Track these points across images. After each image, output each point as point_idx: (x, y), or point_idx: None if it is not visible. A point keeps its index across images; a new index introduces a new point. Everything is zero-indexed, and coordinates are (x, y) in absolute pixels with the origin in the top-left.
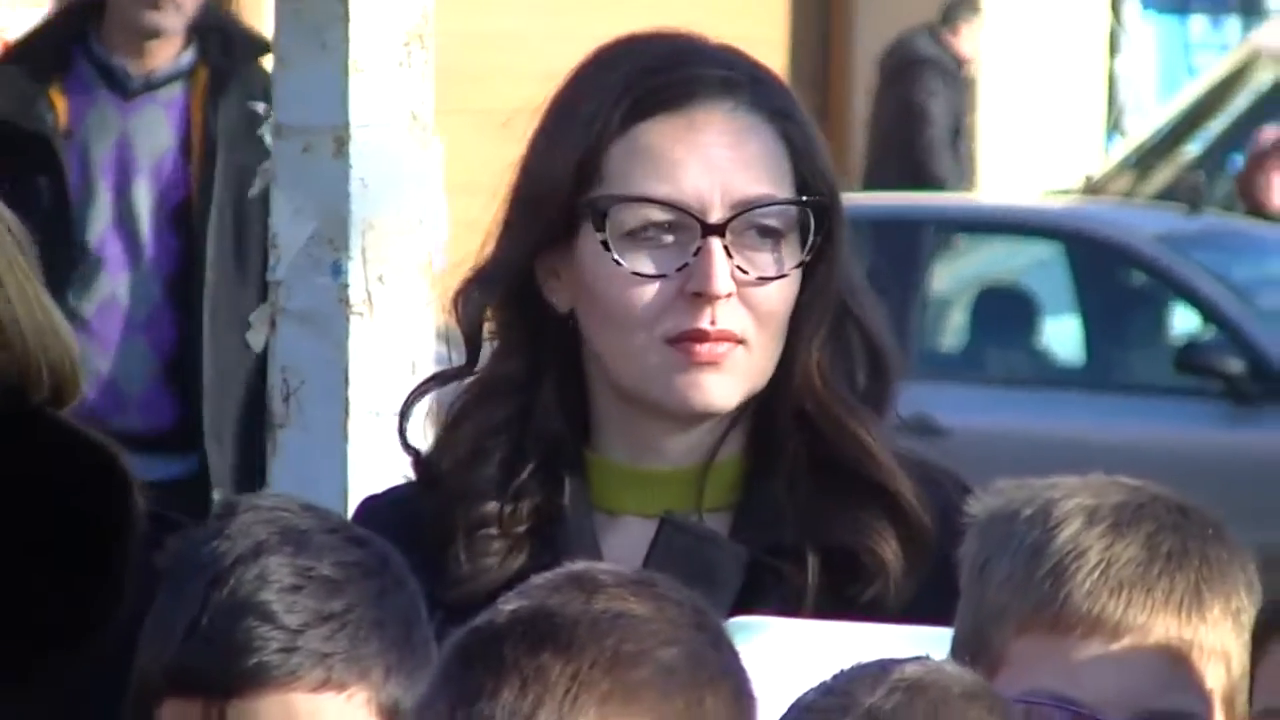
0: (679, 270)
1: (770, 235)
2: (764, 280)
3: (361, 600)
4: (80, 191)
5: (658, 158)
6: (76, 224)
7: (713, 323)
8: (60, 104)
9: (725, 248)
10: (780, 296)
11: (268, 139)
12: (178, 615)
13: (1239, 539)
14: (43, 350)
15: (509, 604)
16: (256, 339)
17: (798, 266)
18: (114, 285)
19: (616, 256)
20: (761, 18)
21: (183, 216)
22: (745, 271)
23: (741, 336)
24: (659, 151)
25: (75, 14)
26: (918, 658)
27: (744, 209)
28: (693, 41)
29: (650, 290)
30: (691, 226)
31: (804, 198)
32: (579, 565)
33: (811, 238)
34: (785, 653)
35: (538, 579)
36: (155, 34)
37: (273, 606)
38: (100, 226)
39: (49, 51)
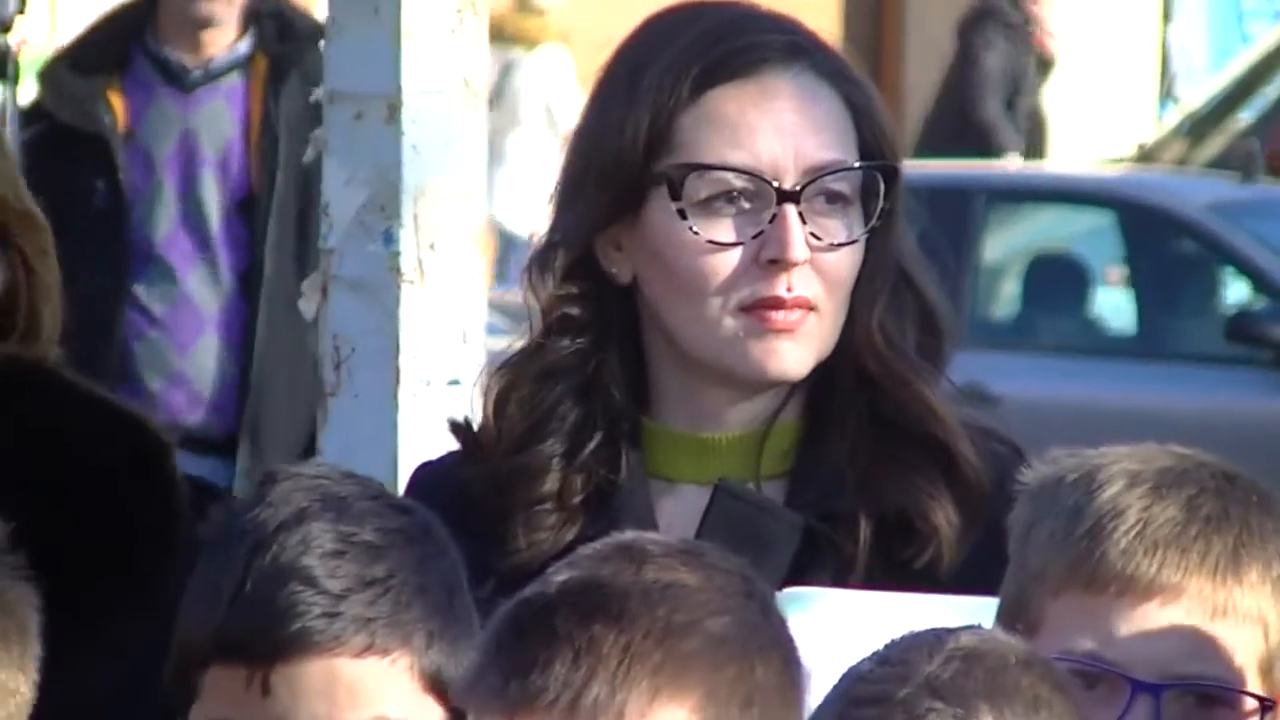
0: (754, 238)
1: (839, 201)
2: (835, 246)
3: (404, 566)
4: (145, 191)
5: (732, 125)
6: (142, 224)
7: (789, 290)
8: (119, 104)
9: (800, 214)
10: (849, 263)
11: None
12: (221, 582)
13: None
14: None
15: (558, 575)
16: (308, 307)
17: (866, 232)
18: (184, 283)
19: (693, 225)
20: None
21: (251, 208)
22: (818, 238)
23: (814, 303)
24: (732, 118)
25: (132, 10)
26: (971, 626)
27: (817, 175)
28: (752, 9)
29: (726, 258)
30: (766, 194)
31: (873, 162)
32: (627, 535)
33: (880, 203)
34: (837, 623)
35: (586, 549)
36: (208, 23)
37: (315, 572)
38: (167, 225)
39: (106, 50)
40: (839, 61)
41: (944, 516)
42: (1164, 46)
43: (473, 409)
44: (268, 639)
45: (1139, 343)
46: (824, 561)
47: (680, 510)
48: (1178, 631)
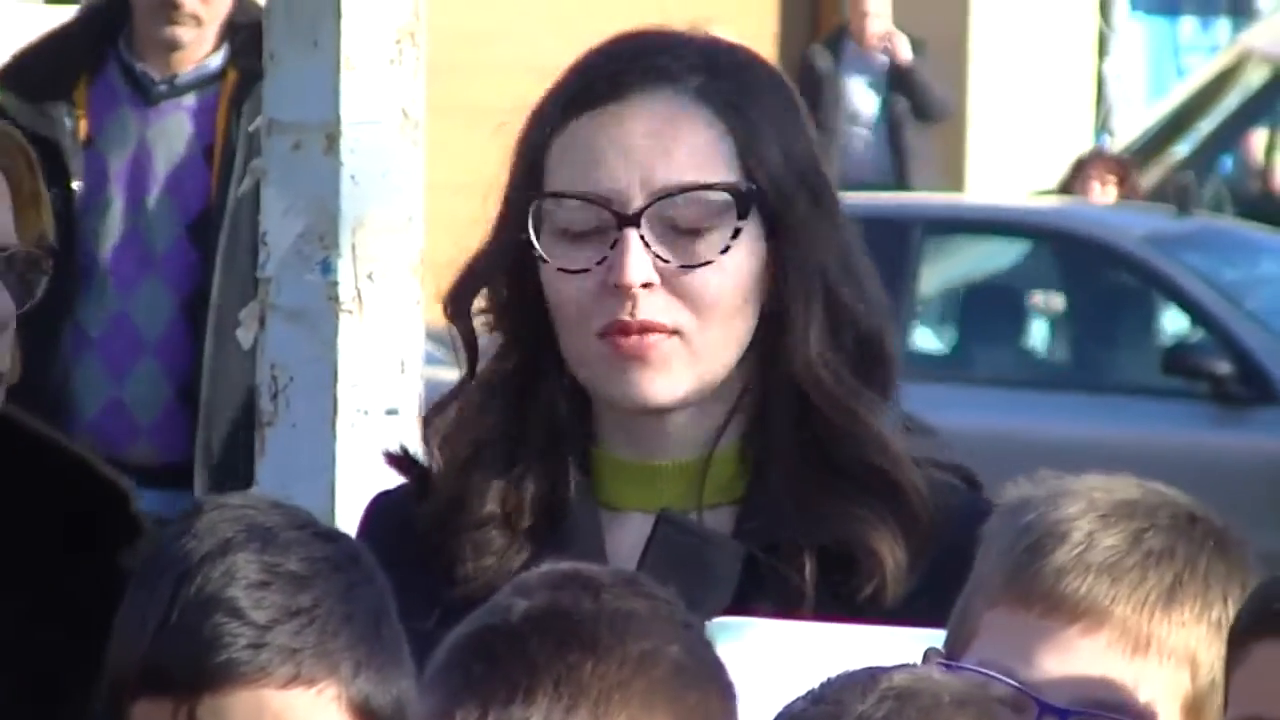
0: (599, 264)
1: (694, 223)
2: (687, 268)
3: (329, 595)
4: (92, 203)
5: (582, 152)
6: (87, 237)
7: (633, 314)
8: (85, 110)
9: (642, 237)
10: (716, 283)
11: None
12: (147, 613)
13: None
14: None
15: (515, 602)
16: (246, 336)
17: (723, 252)
18: (124, 303)
19: (542, 253)
20: (751, 20)
21: (204, 229)
22: (666, 260)
23: (672, 327)
24: (584, 146)
25: (108, 10)
26: (905, 665)
27: (659, 197)
28: (653, 35)
29: (577, 285)
30: (606, 220)
31: (723, 183)
32: (568, 565)
33: (735, 224)
34: (766, 653)
35: (531, 576)
36: (177, 48)
37: (240, 603)
38: (111, 240)
39: (80, 50)
40: (736, 88)
41: (888, 548)
42: (1099, 78)
43: (411, 440)
44: (193, 670)
45: (1075, 374)
46: (768, 592)
47: (626, 539)
48: (1095, 656)
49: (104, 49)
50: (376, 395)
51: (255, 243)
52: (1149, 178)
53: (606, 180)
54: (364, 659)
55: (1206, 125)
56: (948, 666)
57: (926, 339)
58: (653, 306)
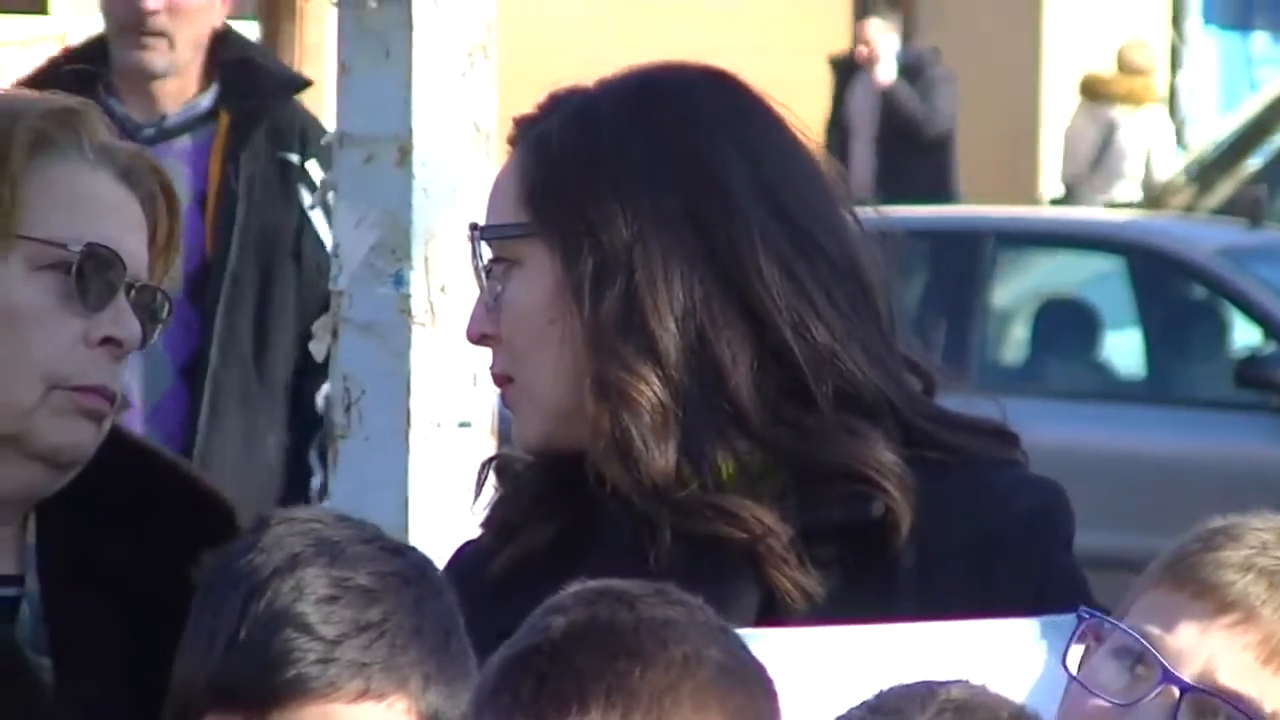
0: None
1: (499, 264)
2: (491, 310)
3: (398, 609)
4: None
5: None
6: None
7: (490, 366)
8: None
9: (481, 289)
10: (508, 324)
11: (306, 198)
12: (217, 628)
13: None
14: None
15: (553, 620)
16: (319, 349)
17: (495, 292)
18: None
19: None
20: (809, 30)
21: (201, 286)
22: (488, 307)
23: (504, 375)
24: None
25: (85, 53)
26: (959, 680)
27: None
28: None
29: None
30: None
31: (488, 226)
32: (597, 582)
33: (478, 260)
34: (778, 665)
35: (564, 596)
36: (152, 74)
37: (309, 618)
38: None
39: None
40: (554, 126)
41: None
42: (1173, 91)
43: (484, 452)
44: (263, 686)
45: (1148, 388)
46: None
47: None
48: (1230, 651)
49: (86, 93)
50: (449, 408)
51: (259, 303)
52: (1222, 191)
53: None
54: (433, 672)
55: (1279, 138)
56: (1091, 616)
57: (999, 352)
58: (494, 360)
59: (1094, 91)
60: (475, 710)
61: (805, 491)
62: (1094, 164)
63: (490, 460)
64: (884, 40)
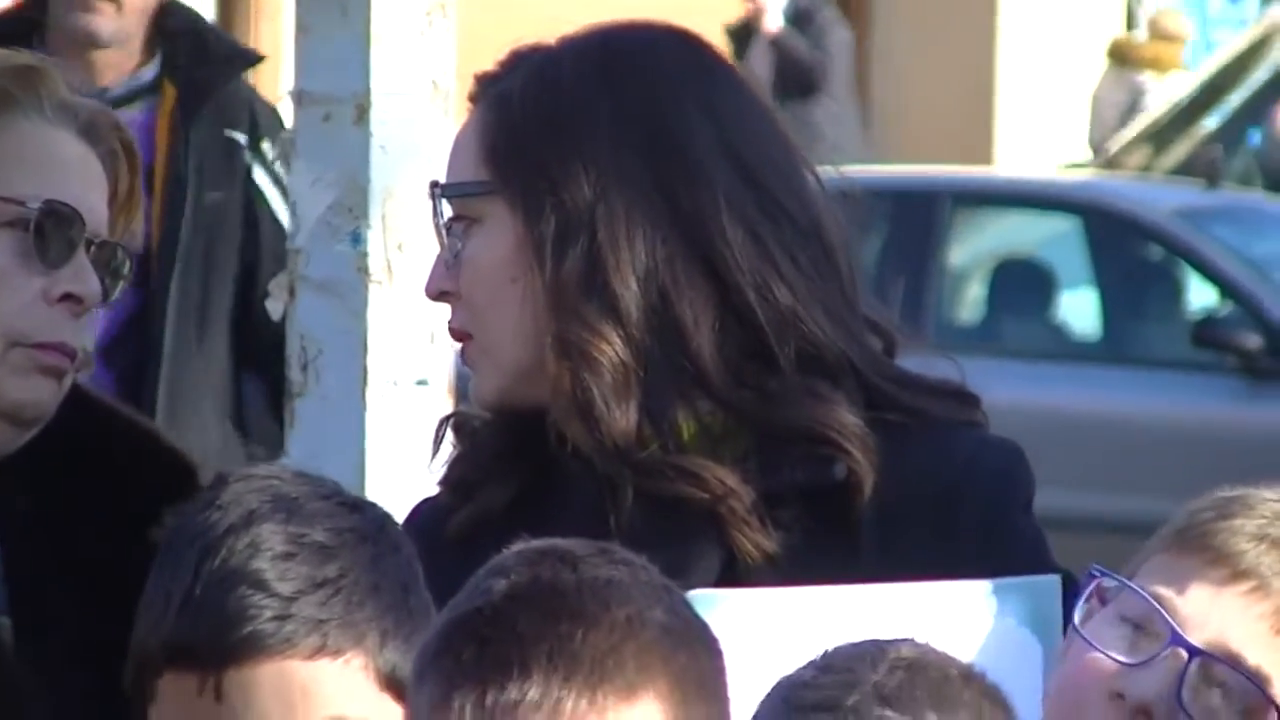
0: None
1: (460, 221)
2: (450, 267)
3: (355, 565)
4: None
5: None
6: None
7: (449, 322)
8: None
9: (441, 246)
10: (468, 281)
11: (260, 175)
12: (172, 587)
13: None
14: None
15: (494, 583)
16: (275, 307)
17: (455, 250)
18: None
19: None
20: None
21: (144, 270)
22: (447, 264)
23: (464, 331)
24: None
25: (14, 19)
26: (906, 639)
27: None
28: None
29: None
30: None
31: (449, 184)
32: (541, 541)
33: (438, 219)
34: (740, 625)
35: (507, 556)
36: (95, 41)
37: (265, 575)
38: None
39: None
40: (517, 83)
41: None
42: None
43: (441, 410)
44: (218, 644)
45: (1105, 348)
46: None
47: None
48: (1243, 620)
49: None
50: (406, 366)
51: (209, 283)
52: (1178, 152)
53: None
54: (391, 629)
55: (1235, 99)
56: (1102, 574)
57: (954, 312)
58: (453, 316)
59: (1122, 56)
60: (418, 673)
61: (767, 453)
62: (1120, 129)
63: (448, 418)
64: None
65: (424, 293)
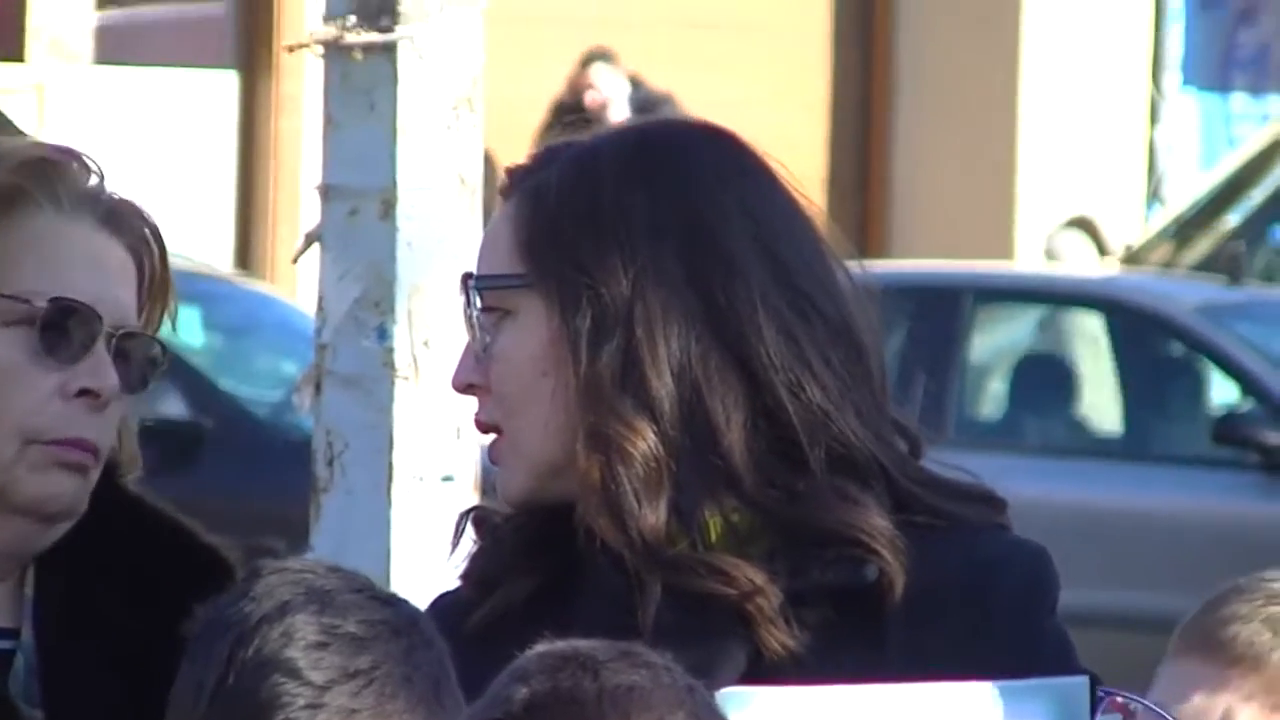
0: None
1: (486, 316)
2: (479, 359)
3: (388, 658)
4: None
5: None
6: None
7: (475, 415)
8: None
9: (471, 339)
10: (499, 375)
11: None
12: (204, 678)
13: None
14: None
15: (515, 690)
16: (301, 402)
17: (484, 342)
18: None
19: None
20: (803, 82)
21: None
22: (476, 357)
23: (492, 424)
24: None
25: None
26: None
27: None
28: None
29: None
30: None
31: (485, 276)
32: (563, 644)
33: (470, 310)
34: None
35: (529, 660)
36: None
37: (298, 663)
38: None
39: None
40: (547, 176)
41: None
42: (1151, 148)
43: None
44: None
45: (1126, 444)
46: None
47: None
48: (1245, 701)
49: None
50: (432, 462)
51: None
52: (1200, 248)
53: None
54: None
55: (1258, 194)
56: (1107, 694)
57: (976, 408)
58: (480, 409)
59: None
60: None
61: (794, 554)
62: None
63: (467, 512)
64: (613, 83)
65: (450, 385)
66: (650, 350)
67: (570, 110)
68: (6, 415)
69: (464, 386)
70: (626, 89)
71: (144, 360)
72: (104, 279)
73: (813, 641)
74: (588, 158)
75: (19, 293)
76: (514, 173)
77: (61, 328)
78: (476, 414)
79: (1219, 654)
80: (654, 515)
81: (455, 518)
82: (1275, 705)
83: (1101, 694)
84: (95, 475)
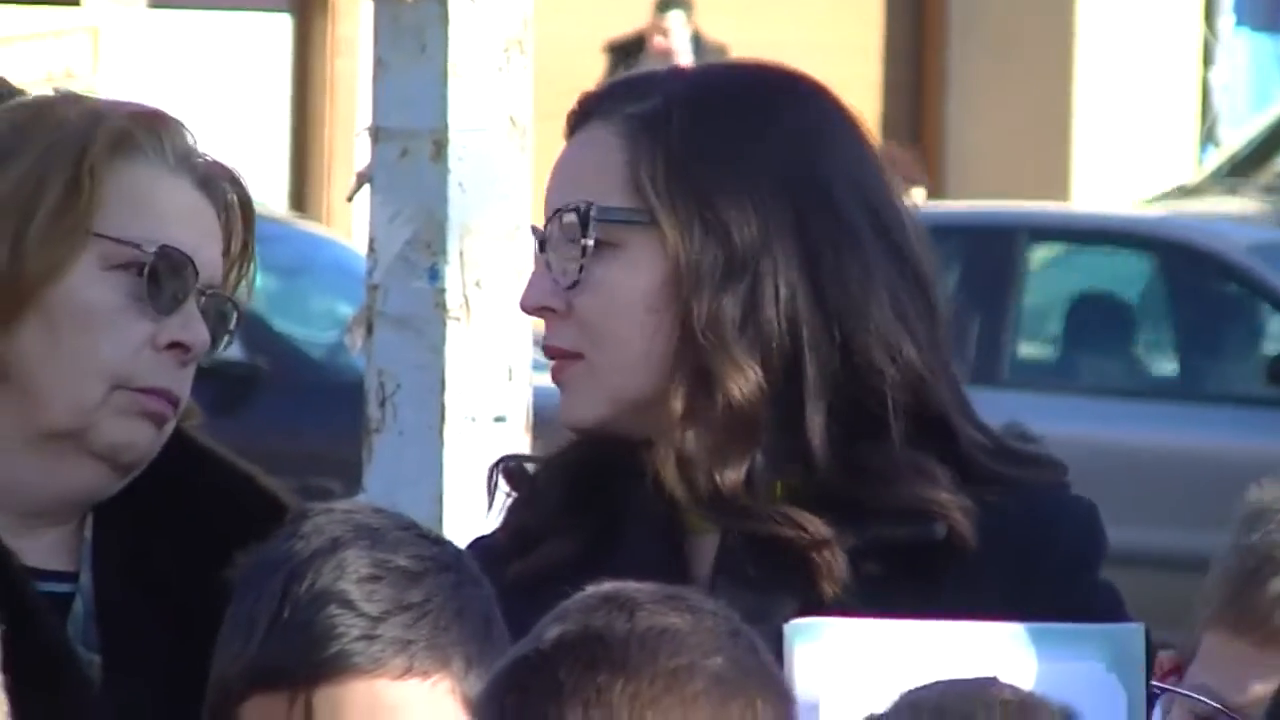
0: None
1: (574, 245)
2: (568, 288)
3: (439, 591)
4: None
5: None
6: None
7: (548, 338)
8: None
9: (548, 263)
10: (596, 305)
11: None
12: (257, 613)
13: None
14: None
15: (549, 630)
16: (353, 342)
17: (580, 270)
18: None
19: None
20: (857, 26)
21: None
22: (557, 282)
23: (573, 350)
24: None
25: None
26: (1006, 683)
27: (546, 221)
28: (631, 77)
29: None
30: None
31: (581, 203)
32: (608, 585)
33: (583, 238)
34: (845, 652)
35: (571, 602)
36: None
37: (352, 595)
38: None
39: None
40: (660, 112)
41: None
42: (1205, 89)
43: (519, 447)
44: (307, 663)
45: (1181, 384)
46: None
47: (705, 559)
48: None
49: None
50: (484, 402)
51: None
52: (1254, 188)
53: (549, 207)
54: (475, 656)
55: None
56: (1165, 690)
57: (1032, 348)
58: (557, 332)
59: None
60: (475, 715)
61: (858, 516)
62: None
63: (498, 463)
64: (681, 32)
65: (520, 304)
66: (773, 297)
67: (631, 50)
68: (97, 358)
69: (536, 309)
70: (689, 41)
71: (222, 321)
72: (200, 236)
73: (868, 595)
74: (708, 97)
75: (127, 237)
76: (601, 100)
77: (164, 277)
78: (549, 338)
79: (1259, 633)
80: (734, 470)
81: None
82: None
83: (1156, 689)
84: (170, 429)
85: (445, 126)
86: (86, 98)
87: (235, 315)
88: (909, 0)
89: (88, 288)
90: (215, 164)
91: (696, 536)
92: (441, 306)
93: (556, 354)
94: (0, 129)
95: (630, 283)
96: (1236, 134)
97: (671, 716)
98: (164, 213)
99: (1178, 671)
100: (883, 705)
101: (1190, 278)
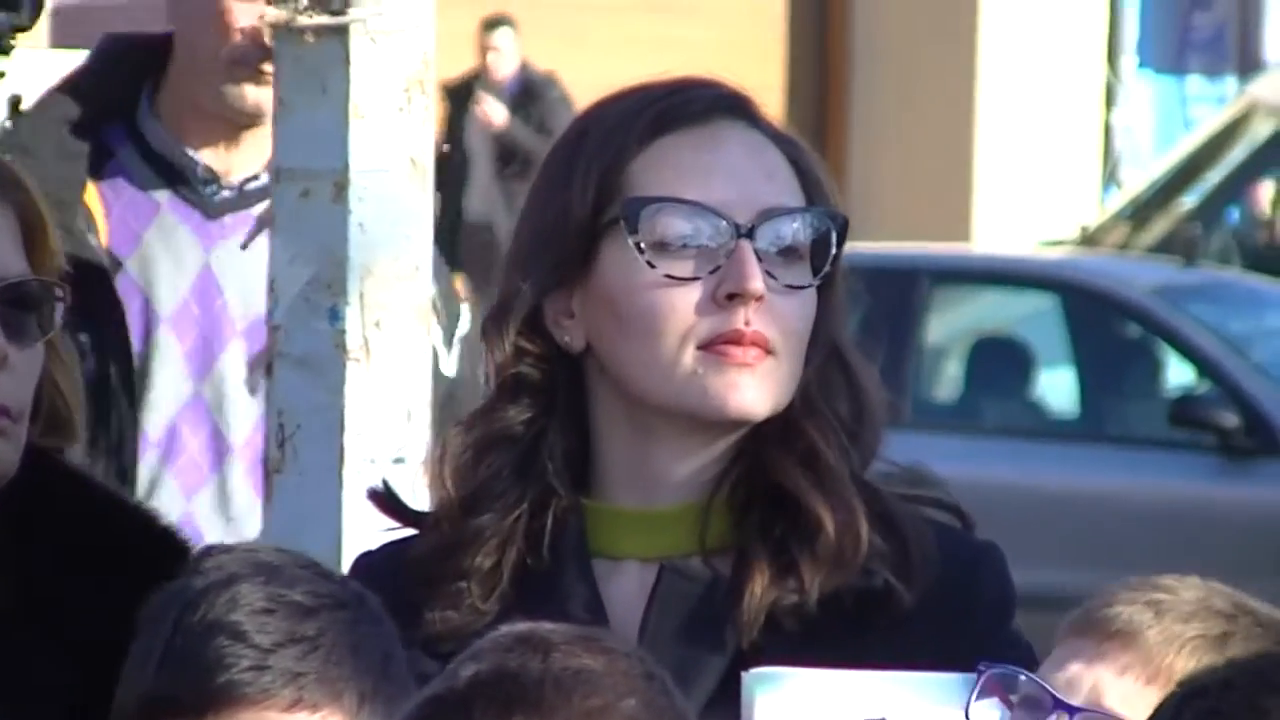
0: (711, 273)
1: (791, 250)
2: (791, 289)
3: (334, 625)
4: (136, 363)
5: (686, 166)
6: (121, 413)
7: (747, 324)
8: (98, 213)
9: (756, 251)
10: (802, 313)
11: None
12: (152, 645)
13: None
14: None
15: (464, 669)
16: (253, 383)
17: (820, 278)
18: (187, 504)
19: (650, 259)
20: (759, 67)
21: None
22: (774, 277)
23: (771, 345)
24: (685, 160)
25: (128, 60)
26: None
27: (770, 215)
28: (696, 78)
29: (684, 294)
30: (723, 230)
31: (825, 208)
32: (523, 625)
33: (833, 249)
34: (806, 703)
35: (485, 641)
36: (255, 120)
37: (244, 626)
38: (165, 414)
39: (88, 128)
40: (777, 126)
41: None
42: (1107, 130)
43: (418, 488)
44: (196, 692)
45: (1082, 425)
46: (779, 633)
47: (624, 588)
48: (1119, 673)
49: (109, 125)
50: (383, 444)
51: None
52: (1156, 230)
53: (718, 193)
54: (369, 692)
55: (1213, 177)
56: (989, 667)
57: (933, 389)
58: (761, 321)
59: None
60: None
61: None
62: None
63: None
64: (509, 49)
65: (747, 286)
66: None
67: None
68: None
69: (759, 294)
70: (517, 63)
71: (35, 309)
72: None
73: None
74: (778, 125)
75: None
76: (735, 102)
77: None
78: (755, 324)
79: (1098, 629)
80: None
81: (407, 500)
82: (1150, 678)
83: (981, 668)
84: (17, 434)
85: (346, 167)
86: None
87: (54, 296)
88: (812, 44)
89: None
90: (2, 164)
91: (614, 561)
92: (341, 347)
93: (759, 343)
94: None
95: (808, 300)
96: (1139, 176)
97: None
98: None
99: None
100: None
101: (1092, 319)
